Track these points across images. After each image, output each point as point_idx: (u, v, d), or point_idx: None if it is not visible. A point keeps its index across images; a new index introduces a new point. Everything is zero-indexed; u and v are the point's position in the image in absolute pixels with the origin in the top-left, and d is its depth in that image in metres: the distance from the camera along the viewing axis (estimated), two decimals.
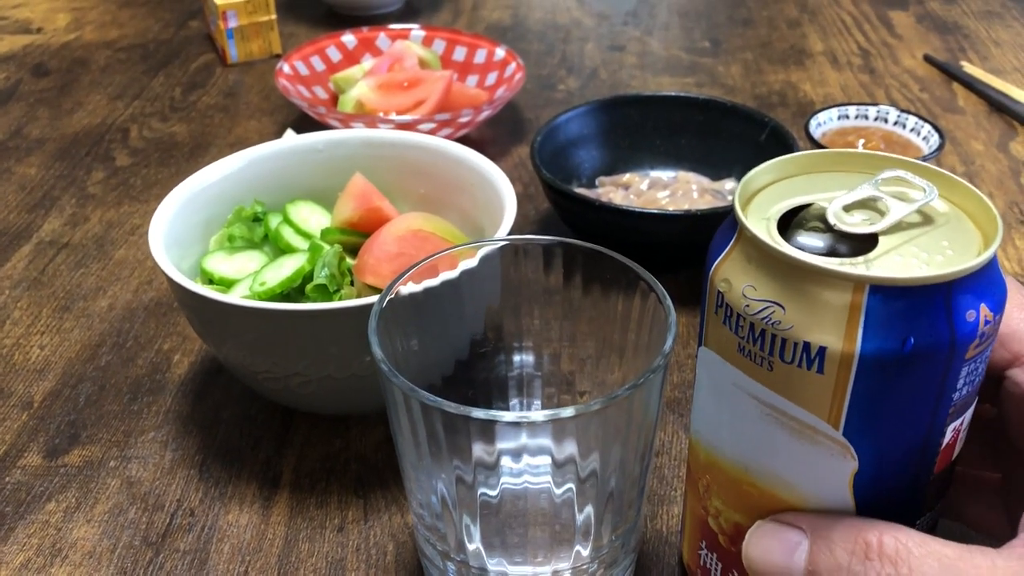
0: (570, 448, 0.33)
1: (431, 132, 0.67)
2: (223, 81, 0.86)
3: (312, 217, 0.52)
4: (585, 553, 0.36)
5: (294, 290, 0.47)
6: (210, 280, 0.49)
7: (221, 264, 0.49)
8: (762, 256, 0.28)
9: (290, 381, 0.43)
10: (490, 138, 0.75)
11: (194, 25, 0.98)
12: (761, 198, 0.31)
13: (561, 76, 0.86)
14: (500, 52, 0.79)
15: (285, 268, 0.47)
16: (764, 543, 0.30)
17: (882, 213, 0.29)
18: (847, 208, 0.30)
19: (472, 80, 0.79)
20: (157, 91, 0.85)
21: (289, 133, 0.68)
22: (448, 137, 0.68)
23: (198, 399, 0.50)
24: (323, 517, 0.43)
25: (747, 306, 0.29)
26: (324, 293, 0.46)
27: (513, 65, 0.77)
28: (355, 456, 0.46)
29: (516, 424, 0.32)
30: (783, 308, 0.28)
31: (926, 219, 0.30)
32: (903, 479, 0.30)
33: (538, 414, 0.31)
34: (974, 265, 0.27)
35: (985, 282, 0.28)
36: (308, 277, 0.47)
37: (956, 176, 0.30)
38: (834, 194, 0.30)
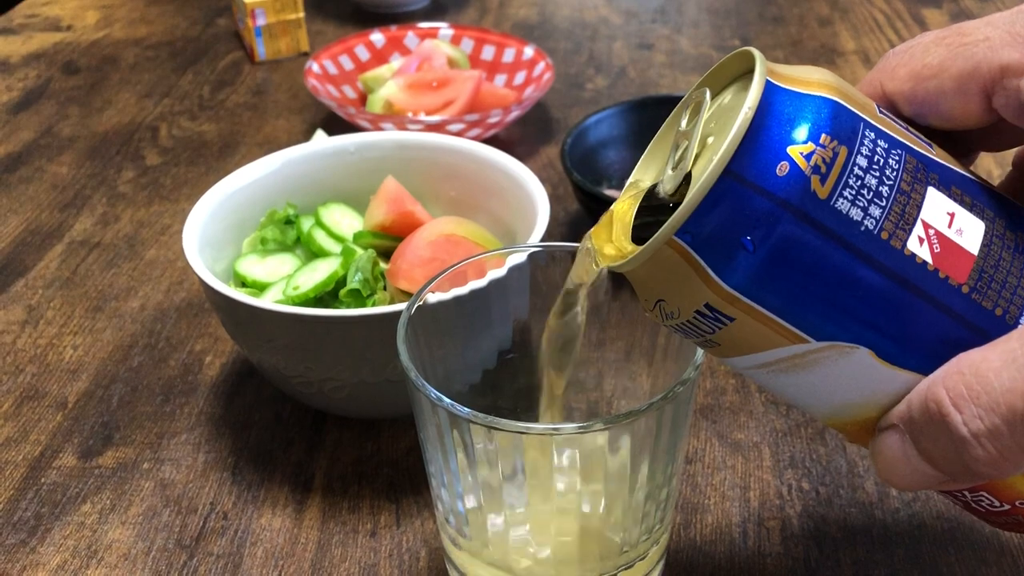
0: (598, 457, 0.33)
1: (460, 133, 0.67)
2: (251, 79, 0.86)
3: (344, 220, 0.52)
4: (611, 561, 0.36)
5: (327, 294, 0.47)
6: (243, 283, 0.49)
7: (254, 267, 0.49)
8: (619, 276, 0.28)
9: (324, 386, 0.43)
10: (518, 138, 0.75)
11: (222, 23, 0.98)
12: (628, 217, 0.30)
13: (589, 75, 0.86)
14: (529, 51, 0.78)
15: (319, 272, 0.47)
16: (881, 460, 0.28)
17: (686, 151, 0.27)
18: (675, 168, 0.28)
19: (500, 79, 0.79)
20: (186, 89, 0.85)
21: (319, 134, 0.68)
22: (477, 137, 0.68)
23: (230, 401, 0.50)
24: (355, 522, 0.43)
25: (656, 317, 0.28)
26: (358, 298, 0.46)
27: (542, 64, 0.76)
28: (386, 460, 0.46)
29: (544, 435, 0.32)
30: (665, 300, 0.27)
31: (724, 121, 0.27)
32: (927, 315, 0.26)
33: (567, 426, 0.31)
34: (736, 134, 0.24)
35: (776, 127, 0.24)
36: (341, 282, 0.47)
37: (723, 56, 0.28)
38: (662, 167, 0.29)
